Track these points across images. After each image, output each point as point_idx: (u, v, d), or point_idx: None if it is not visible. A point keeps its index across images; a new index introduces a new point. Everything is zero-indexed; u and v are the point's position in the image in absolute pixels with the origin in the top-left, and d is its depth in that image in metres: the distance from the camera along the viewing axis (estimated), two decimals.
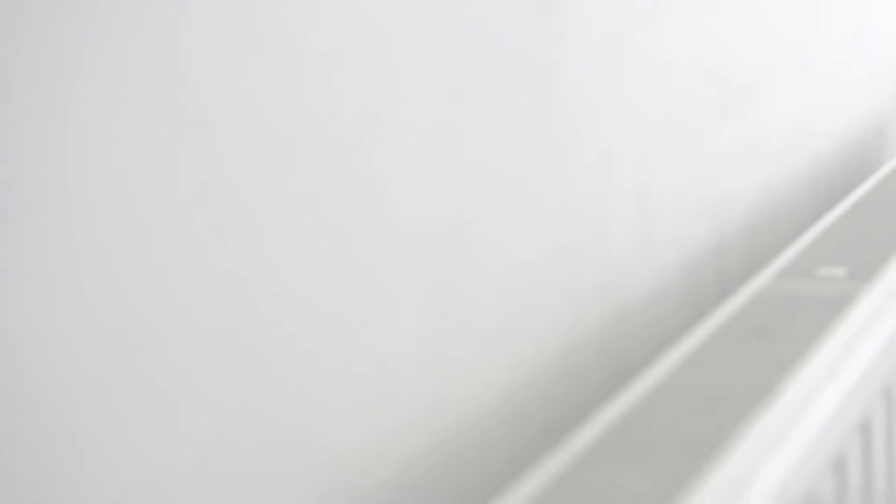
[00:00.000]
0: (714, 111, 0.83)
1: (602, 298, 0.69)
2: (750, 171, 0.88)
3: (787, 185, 0.95)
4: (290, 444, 0.48)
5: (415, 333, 0.54)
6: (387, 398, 0.53)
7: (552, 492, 0.47)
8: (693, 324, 0.76)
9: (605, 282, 0.69)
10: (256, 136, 0.46)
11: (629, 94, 0.73)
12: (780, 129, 0.94)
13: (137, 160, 0.42)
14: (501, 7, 0.60)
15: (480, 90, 0.59)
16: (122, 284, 0.41)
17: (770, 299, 0.66)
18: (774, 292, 0.67)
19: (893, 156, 1.20)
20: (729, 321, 0.63)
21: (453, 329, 0.57)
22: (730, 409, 0.54)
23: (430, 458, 0.55)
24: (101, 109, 0.41)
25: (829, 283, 0.68)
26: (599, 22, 0.69)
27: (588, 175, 0.68)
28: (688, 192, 0.79)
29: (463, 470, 0.56)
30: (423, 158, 0.55)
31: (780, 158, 0.94)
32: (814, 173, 1.00)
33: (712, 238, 0.82)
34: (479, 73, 0.59)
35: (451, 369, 0.57)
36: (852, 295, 0.66)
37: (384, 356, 0.53)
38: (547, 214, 0.64)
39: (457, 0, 0.57)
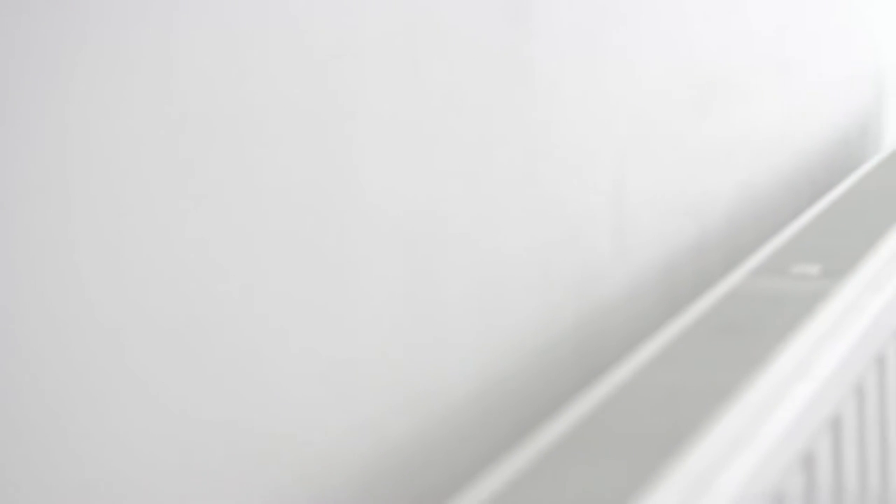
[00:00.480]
0: (693, 111, 0.83)
1: (577, 296, 0.69)
2: (730, 171, 0.89)
3: (767, 185, 0.95)
4: (259, 438, 0.48)
5: (387, 329, 0.55)
6: (357, 393, 0.53)
7: (514, 488, 0.47)
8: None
9: (580, 280, 0.70)
10: (232, 133, 0.47)
11: (606, 93, 0.73)
12: (761, 129, 0.94)
13: (118, 158, 0.42)
14: (473, 7, 0.61)
15: (451, 89, 0.59)
16: (94, 273, 0.41)
17: (742, 297, 0.66)
18: (747, 290, 0.67)
19: (875, 155, 1.21)
20: (700, 319, 0.63)
21: (425, 325, 0.57)
22: (695, 407, 0.54)
23: (401, 453, 0.55)
24: (97, 108, 0.41)
25: (802, 280, 0.68)
26: (573, 22, 0.69)
27: (563, 174, 0.68)
28: (666, 191, 0.80)
29: (433, 465, 0.57)
30: (395, 156, 0.55)
31: (760, 158, 0.94)
32: (795, 173, 1.01)
33: (692, 237, 0.83)
34: (449, 73, 0.59)
35: (422, 365, 0.57)
36: (825, 292, 0.66)
37: (355, 351, 0.53)
38: (521, 213, 0.65)
39: (428, 0, 0.57)
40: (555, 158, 0.68)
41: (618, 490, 0.47)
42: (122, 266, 0.43)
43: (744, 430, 0.54)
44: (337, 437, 0.52)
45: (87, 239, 0.42)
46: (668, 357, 0.59)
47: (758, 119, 0.94)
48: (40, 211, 0.40)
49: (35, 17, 0.40)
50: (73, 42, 0.41)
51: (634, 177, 0.76)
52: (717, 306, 0.65)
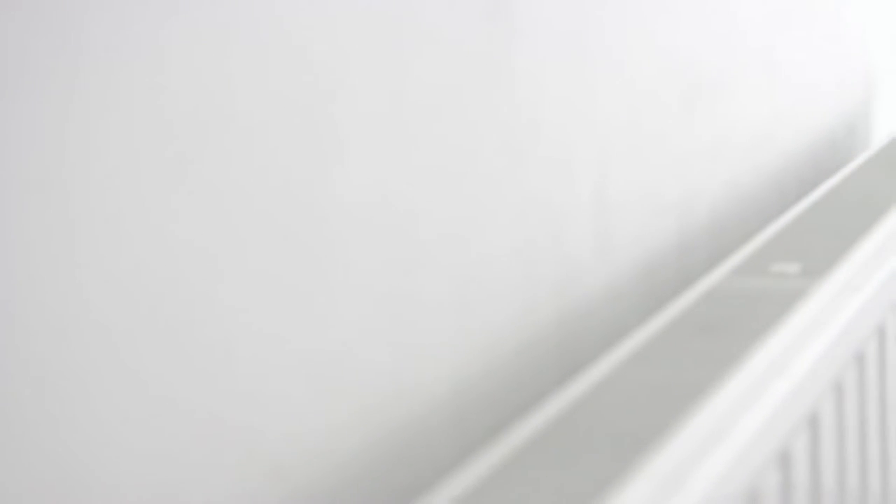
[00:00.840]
0: (677, 110, 0.83)
1: (558, 296, 0.70)
2: (715, 170, 0.89)
3: (753, 184, 0.96)
4: (235, 431, 0.49)
5: (365, 325, 0.55)
6: (335, 389, 0.53)
7: (486, 486, 0.48)
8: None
9: (561, 279, 0.70)
10: (215, 127, 0.47)
11: (589, 92, 0.73)
12: (747, 129, 0.95)
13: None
14: (454, 5, 0.61)
15: (432, 88, 0.59)
16: (64, 268, 0.42)
17: (721, 296, 0.67)
18: (726, 289, 0.68)
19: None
20: (678, 318, 0.64)
21: (404, 322, 0.58)
22: (670, 405, 0.54)
23: (378, 448, 0.55)
24: (93, 107, 0.41)
25: (781, 279, 0.69)
26: (556, 21, 0.69)
27: (545, 173, 0.69)
28: (649, 190, 0.80)
29: (411, 462, 0.57)
30: (376, 154, 0.56)
31: (746, 157, 0.94)
32: (782, 172, 1.01)
33: (675, 236, 0.83)
34: (430, 71, 0.59)
35: (400, 362, 0.57)
36: (803, 291, 0.67)
37: (333, 347, 0.53)
38: (502, 211, 0.65)
39: None
40: (537, 157, 0.68)
41: (588, 487, 0.47)
42: (100, 258, 0.43)
43: (718, 428, 0.54)
44: (314, 433, 0.52)
45: (47, 230, 0.42)
46: (646, 355, 0.60)
47: (744, 119, 0.94)
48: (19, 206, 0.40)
49: (33, 20, 0.40)
50: (72, 44, 0.41)
51: (618, 176, 0.76)
52: (695, 305, 0.66)
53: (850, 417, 0.69)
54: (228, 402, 0.48)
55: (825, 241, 0.74)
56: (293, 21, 0.51)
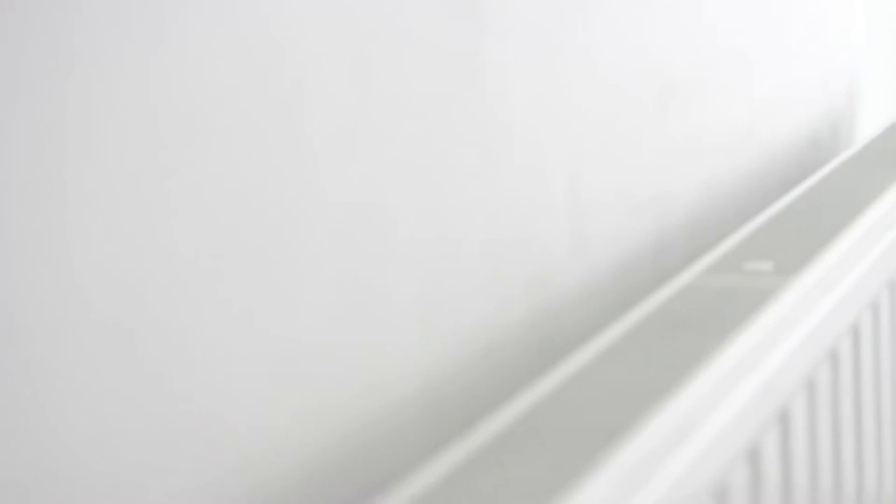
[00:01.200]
0: (651, 109, 0.84)
1: (531, 295, 0.70)
2: (692, 169, 0.89)
3: (734, 183, 0.96)
4: (200, 428, 0.49)
5: (334, 320, 0.55)
6: (301, 384, 0.54)
7: (449, 481, 0.48)
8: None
9: (534, 278, 0.70)
10: (184, 122, 0.47)
11: (562, 92, 0.73)
12: (726, 128, 0.95)
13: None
14: (423, 4, 0.61)
15: (401, 86, 0.60)
16: (34, 262, 0.42)
17: (694, 293, 0.67)
18: (699, 286, 0.68)
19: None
20: (650, 315, 0.64)
21: (372, 318, 0.58)
22: (638, 400, 0.54)
23: (344, 445, 0.56)
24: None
25: (754, 277, 0.69)
26: (526, 20, 0.69)
27: (517, 171, 0.69)
28: (625, 190, 0.80)
29: (376, 458, 0.57)
30: (345, 152, 0.56)
31: (725, 156, 0.94)
32: (763, 172, 1.01)
33: (651, 236, 0.83)
34: (398, 70, 0.59)
35: (369, 358, 0.57)
36: (775, 288, 0.67)
37: (300, 342, 0.53)
38: (472, 209, 0.65)
39: None
40: (508, 156, 0.68)
41: (551, 481, 0.47)
42: (67, 255, 0.43)
43: (685, 424, 0.54)
44: (279, 428, 0.52)
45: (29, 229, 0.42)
46: (616, 351, 0.60)
47: (722, 118, 0.94)
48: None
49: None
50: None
51: (592, 176, 0.76)
52: (667, 302, 0.66)
53: (823, 415, 0.69)
54: (194, 397, 0.49)
55: (800, 239, 0.74)
56: (258, 20, 0.51)
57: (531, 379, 0.68)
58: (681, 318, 0.64)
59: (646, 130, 0.83)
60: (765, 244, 0.74)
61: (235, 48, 0.50)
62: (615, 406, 0.54)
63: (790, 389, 0.64)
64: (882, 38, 1.31)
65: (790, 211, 0.81)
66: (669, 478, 0.52)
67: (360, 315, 0.57)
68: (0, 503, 0.41)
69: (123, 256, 0.45)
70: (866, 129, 1.24)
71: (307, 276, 0.54)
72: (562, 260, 0.73)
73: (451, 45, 0.63)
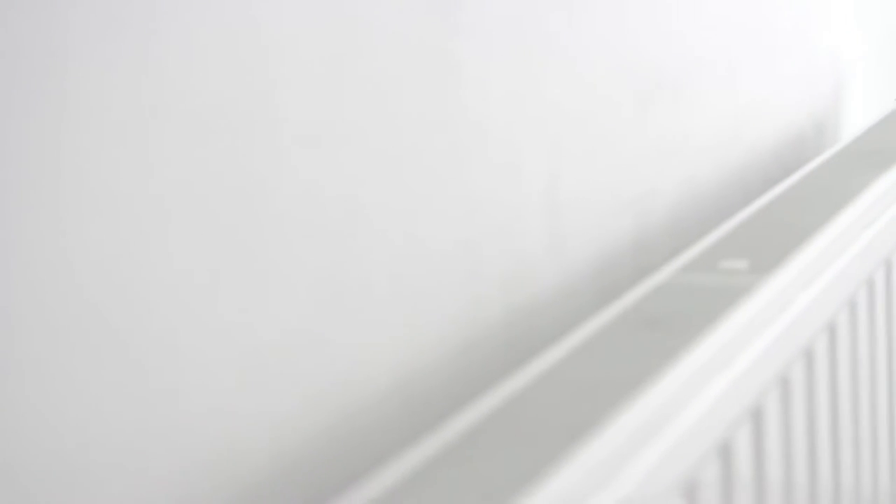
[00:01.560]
0: (631, 108, 0.84)
1: (507, 293, 0.70)
2: (674, 168, 0.89)
3: (716, 183, 0.96)
4: (175, 424, 0.49)
5: (306, 317, 0.56)
6: (273, 381, 0.54)
7: (415, 477, 0.48)
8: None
9: (510, 276, 0.70)
10: (154, 118, 0.48)
11: (540, 91, 0.74)
12: (708, 126, 0.95)
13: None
14: (399, 1, 0.61)
15: (375, 83, 0.60)
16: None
17: (668, 291, 0.67)
18: (673, 284, 0.68)
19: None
20: (624, 313, 0.64)
21: (346, 315, 0.58)
22: (608, 397, 0.55)
23: (316, 442, 0.56)
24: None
25: (729, 275, 0.69)
26: (504, 18, 0.70)
27: (493, 170, 0.69)
28: (604, 188, 0.80)
29: (348, 455, 0.58)
30: (319, 150, 0.56)
31: (707, 155, 0.95)
32: (747, 171, 1.01)
33: (631, 235, 0.84)
34: (373, 67, 0.60)
35: (342, 355, 0.58)
36: (750, 287, 0.67)
37: (273, 339, 0.54)
38: (447, 208, 0.65)
39: None
40: (484, 154, 0.68)
41: (515, 478, 0.48)
42: (25, 249, 0.43)
43: (654, 420, 0.55)
44: (253, 423, 0.53)
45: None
46: (588, 350, 0.60)
47: (705, 116, 0.95)
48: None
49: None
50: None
51: (570, 174, 0.76)
52: (641, 300, 0.66)
53: (798, 411, 0.69)
54: (169, 390, 0.49)
55: (776, 238, 0.75)
56: (231, 17, 0.52)
57: (507, 375, 0.69)
58: (654, 315, 0.64)
59: (626, 130, 0.83)
60: (741, 243, 0.75)
61: (221, 49, 0.50)
62: (584, 403, 0.54)
63: (763, 386, 0.65)
64: (869, 38, 1.32)
65: (768, 210, 0.81)
66: (637, 474, 0.53)
67: (334, 311, 0.58)
68: None
69: (99, 248, 0.46)
70: (852, 128, 1.25)
71: (282, 271, 0.54)
72: (538, 258, 0.73)
73: (425, 44, 0.64)
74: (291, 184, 0.55)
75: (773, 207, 0.82)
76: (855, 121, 1.26)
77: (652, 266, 0.85)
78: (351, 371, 0.58)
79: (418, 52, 0.63)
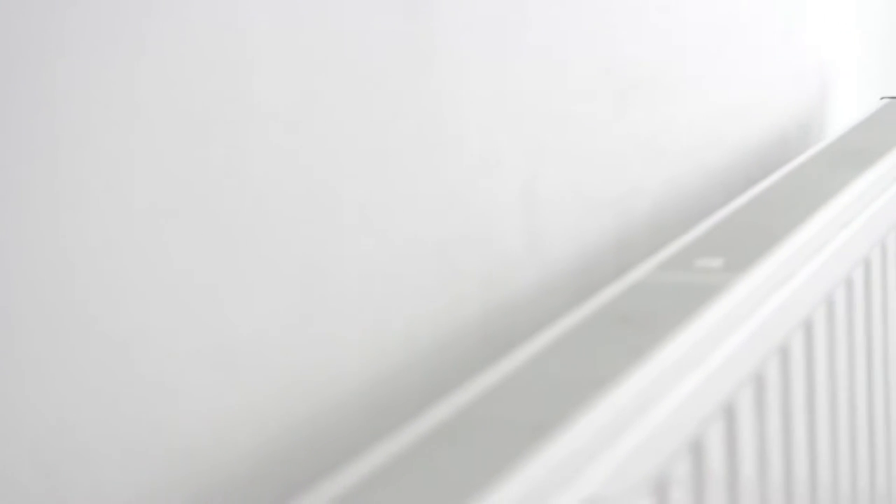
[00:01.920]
0: (612, 107, 0.84)
1: (485, 291, 0.70)
2: (655, 168, 0.90)
3: (698, 182, 0.96)
4: (143, 420, 0.49)
5: (278, 314, 0.56)
6: (242, 379, 0.54)
7: (376, 478, 0.48)
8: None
9: (488, 274, 0.71)
10: (118, 119, 0.48)
11: (519, 91, 0.74)
12: (690, 126, 0.95)
13: None
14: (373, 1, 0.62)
15: (350, 83, 0.60)
16: None
17: (642, 289, 0.68)
18: (647, 282, 0.68)
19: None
20: (596, 310, 0.65)
21: (318, 312, 0.59)
22: (576, 394, 0.55)
23: (285, 439, 0.56)
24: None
25: (703, 273, 0.69)
26: (480, 16, 0.70)
27: (470, 169, 0.69)
28: (584, 188, 0.81)
29: (319, 451, 0.58)
30: (295, 145, 0.57)
31: (689, 155, 0.95)
32: (729, 171, 1.02)
33: (613, 234, 0.84)
34: (348, 66, 0.60)
35: (314, 352, 0.58)
36: (723, 285, 0.67)
37: (242, 336, 0.54)
38: (423, 207, 0.66)
39: None
40: (462, 153, 0.69)
41: (476, 476, 0.48)
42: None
43: (621, 417, 0.55)
44: (223, 419, 0.53)
45: None
46: (558, 347, 0.61)
47: (687, 116, 0.95)
48: None
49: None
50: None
51: (549, 173, 0.77)
52: (615, 298, 0.66)
53: (773, 408, 0.69)
54: (137, 387, 0.49)
55: (752, 237, 0.75)
56: (198, 17, 0.52)
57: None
58: (626, 313, 0.64)
59: (606, 129, 0.83)
60: (717, 242, 0.75)
61: (172, 46, 0.51)
62: (550, 400, 0.54)
63: (736, 383, 0.65)
64: (855, 38, 1.32)
65: (746, 209, 0.82)
66: (604, 471, 0.53)
67: (309, 308, 0.58)
68: None
69: (71, 244, 0.46)
70: (838, 126, 1.25)
71: (254, 267, 0.55)
72: (516, 257, 0.73)
73: (400, 41, 0.64)
74: (264, 181, 0.55)
75: (751, 207, 0.83)
76: (840, 121, 1.26)
77: (634, 265, 0.86)
78: (321, 368, 0.59)
79: (393, 51, 0.63)
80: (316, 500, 0.46)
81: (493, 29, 0.71)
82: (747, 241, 0.74)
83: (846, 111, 1.28)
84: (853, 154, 0.94)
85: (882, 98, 1.20)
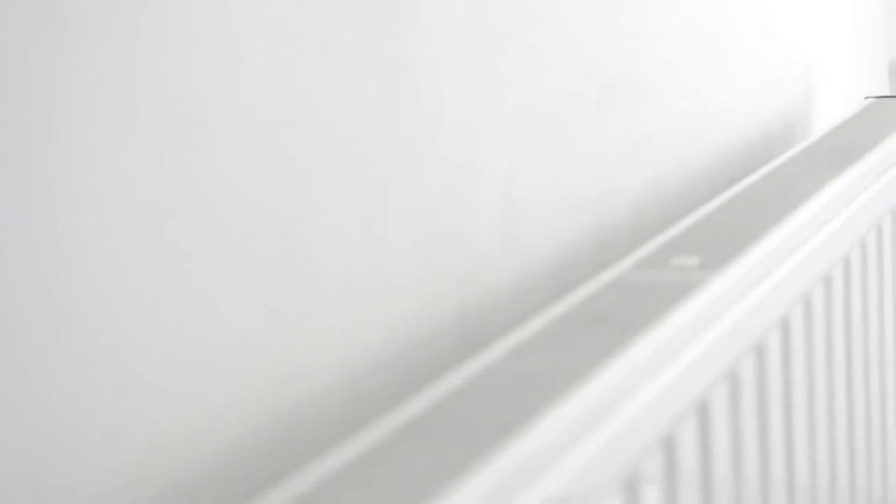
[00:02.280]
0: (594, 107, 0.84)
1: (461, 290, 0.71)
2: (636, 168, 0.90)
3: (680, 182, 0.97)
4: (117, 415, 0.50)
5: (253, 312, 0.56)
6: (216, 377, 0.54)
7: (342, 475, 0.49)
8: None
9: (465, 274, 0.71)
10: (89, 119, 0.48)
11: (499, 91, 0.74)
12: (672, 126, 0.96)
13: None
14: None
15: (327, 81, 0.60)
16: None
17: (618, 287, 0.68)
18: (624, 281, 0.69)
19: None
20: (570, 309, 0.65)
21: (293, 310, 0.59)
22: (543, 391, 0.55)
23: (258, 433, 0.56)
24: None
25: (679, 271, 0.70)
26: (460, 16, 0.70)
27: (448, 168, 0.70)
28: (563, 188, 0.81)
29: (292, 448, 0.58)
30: (270, 144, 0.57)
31: (671, 155, 0.95)
32: (711, 170, 1.02)
33: (592, 233, 0.84)
34: (325, 65, 0.60)
35: (288, 349, 0.58)
36: (699, 283, 0.68)
37: (217, 334, 0.54)
38: (400, 207, 0.66)
39: None
40: (440, 153, 0.69)
41: (445, 471, 0.48)
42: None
43: (591, 414, 0.55)
44: (195, 414, 0.53)
45: None
46: (532, 345, 0.61)
47: (668, 117, 0.95)
48: None
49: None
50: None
51: (529, 173, 0.77)
52: (590, 297, 0.67)
53: (747, 406, 0.70)
54: (109, 387, 0.49)
55: (729, 236, 0.75)
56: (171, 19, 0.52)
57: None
58: (601, 312, 0.64)
59: (587, 129, 0.84)
60: (694, 240, 0.75)
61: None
62: (519, 398, 0.54)
63: (710, 381, 0.65)
64: (839, 39, 1.32)
65: (725, 207, 0.82)
66: (573, 468, 0.53)
67: (287, 304, 0.58)
68: None
69: (35, 243, 0.46)
70: (821, 128, 1.25)
71: (233, 264, 0.55)
72: (495, 256, 0.74)
73: (380, 41, 0.64)
74: (243, 179, 0.55)
75: (730, 205, 0.83)
76: (825, 120, 1.26)
77: (614, 264, 0.86)
78: (298, 365, 0.59)
79: (373, 51, 0.63)
80: (282, 497, 0.47)
81: (473, 28, 0.71)
82: (725, 240, 0.74)
83: (831, 111, 1.28)
84: (835, 153, 0.95)
85: (866, 98, 1.20)
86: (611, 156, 0.86)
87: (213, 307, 0.54)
